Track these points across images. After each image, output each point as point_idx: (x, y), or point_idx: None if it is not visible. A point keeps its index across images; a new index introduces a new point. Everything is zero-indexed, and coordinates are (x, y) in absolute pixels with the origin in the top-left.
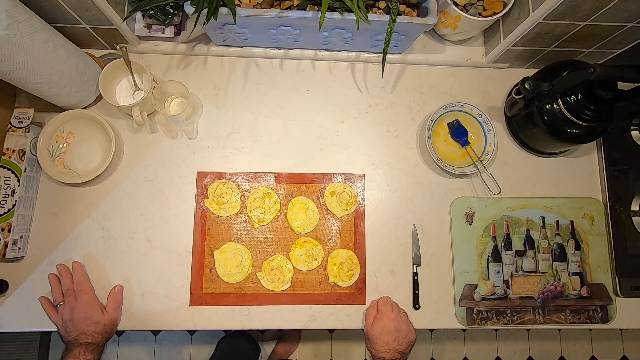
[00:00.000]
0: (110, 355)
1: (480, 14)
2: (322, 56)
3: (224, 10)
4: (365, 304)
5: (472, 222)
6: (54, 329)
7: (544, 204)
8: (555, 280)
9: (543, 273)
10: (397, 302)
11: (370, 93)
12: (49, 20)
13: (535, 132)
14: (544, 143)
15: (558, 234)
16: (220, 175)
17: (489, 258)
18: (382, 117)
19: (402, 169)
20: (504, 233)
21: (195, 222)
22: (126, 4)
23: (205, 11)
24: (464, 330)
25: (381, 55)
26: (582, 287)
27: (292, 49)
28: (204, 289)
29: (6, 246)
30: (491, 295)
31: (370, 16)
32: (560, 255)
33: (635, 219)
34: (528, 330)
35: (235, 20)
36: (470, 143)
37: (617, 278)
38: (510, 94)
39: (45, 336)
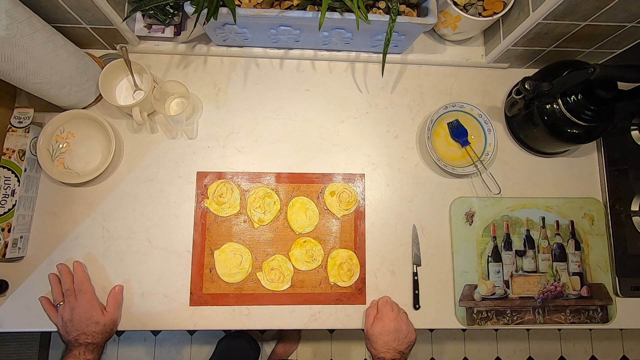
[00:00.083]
0: (110, 355)
1: (480, 14)
2: (322, 56)
3: (224, 10)
4: (365, 304)
5: (472, 222)
6: (54, 329)
7: (544, 204)
8: (555, 280)
9: (543, 273)
10: (397, 302)
11: (370, 93)
12: (49, 20)
13: (535, 132)
14: (544, 143)
15: (558, 234)
16: (220, 175)
17: (489, 258)
18: (382, 117)
19: (402, 169)
20: (504, 233)
21: (195, 222)
22: (126, 4)
23: (205, 11)
24: (464, 330)
25: (381, 55)
26: (582, 287)
27: (292, 49)
28: (204, 289)
29: (6, 246)
30: (491, 295)
31: (370, 16)
32: (560, 255)
33: (635, 219)
34: (528, 330)
35: (235, 20)
36: (470, 143)
37: (617, 278)
38: (510, 94)
39: (45, 336)
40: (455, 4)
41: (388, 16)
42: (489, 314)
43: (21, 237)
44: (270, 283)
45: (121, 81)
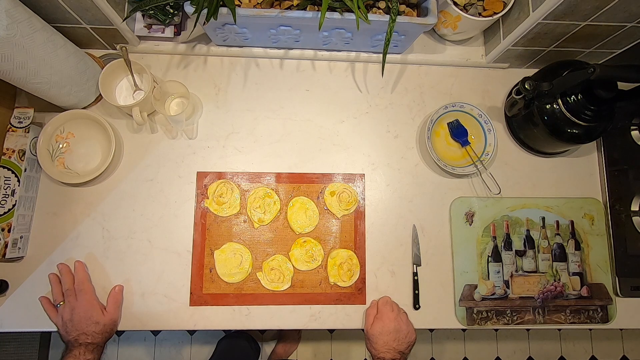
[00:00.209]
0: (110, 355)
1: (480, 14)
2: (322, 56)
3: (224, 10)
4: (365, 304)
5: (472, 222)
6: (54, 329)
7: (544, 204)
8: (555, 280)
9: (543, 273)
10: (397, 302)
11: (370, 93)
12: (49, 20)
13: (535, 132)
14: (544, 143)
15: (558, 234)
16: (220, 175)
17: (489, 258)
18: (382, 117)
19: (402, 169)
20: (504, 233)
21: (195, 222)
22: (126, 4)
23: (205, 11)
24: (464, 330)
25: (381, 55)
26: (582, 287)
27: (292, 49)
28: (204, 289)
29: (6, 246)
30: (491, 295)
31: (370, 16)
32: (560, 255)
33: (635, 219)
34: (528, 330)
35: (235, 20)
36: (470, 143)
37: (617, 278)
38: (510, 94)
39: (45, 336)
40: (455, 4)
41: (388, 16)
42: (489, 314)
43: (21, 237)
44: (270, 283)
45: (121, 81)
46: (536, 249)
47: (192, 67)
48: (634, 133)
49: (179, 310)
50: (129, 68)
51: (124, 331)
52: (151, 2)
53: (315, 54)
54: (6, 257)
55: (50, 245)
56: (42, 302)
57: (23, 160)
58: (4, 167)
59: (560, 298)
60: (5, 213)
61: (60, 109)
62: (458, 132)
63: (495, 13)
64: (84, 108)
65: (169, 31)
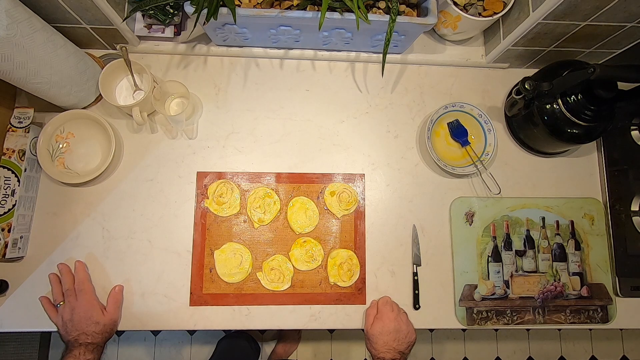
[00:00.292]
0: (110, 355)
1: (480, 14)
2: (322, 56)
3: (224, 10)
4: (365, 304)
5: (472, 222)
6: (54, 329)
7: (544, 204)
8: (555, 280)
9: (543, 273)
10: (397, 302)
11: (370, 93)
12: (49, 20)
13: (535, 132)
14: (544, 143)
15: (558, 234)
16: (220, 175)
17: (489, 258)
18: (382, 117)
19: (402, 169)
20: (504, 233)
21: (195, 222)
22: (126, 4)
23: (205, 11)
24: (464, 330)
25: (381, 55)
26: (582, 287)
27: (292, 49)
28: (204, 289)
29: (6, 246)
30: (491, 295)
31: (370, 16)
32: (560, 255)
33: (635, 219)
34: (528, 330)
35: (235, 20)
36: (470, 143)
37: (617, 278)
38: (510, 94)
39: (45, 336)
40: (455, 4)
41: (388, 16)
42: (489, 314)
43: (21, 237)
44: (270, 283)
45: (121, 81)
46: (536, 249)
47: (192, 67)
48: (634, 133)
49: (179, 310)
50: (129, 68)
51: (124, 331)
52: (151, 2)
53: (315, 54)
54: (6, 257)
55: (50, 245)
56: (42, 302)
57: (23, 160)
58: (4, 167)
59: (560, 298)
60: (5, 213)
61: (60, 109)
62: (458, 132)
63: (495, 13)
64: (84, 108)
65: (169, 31)
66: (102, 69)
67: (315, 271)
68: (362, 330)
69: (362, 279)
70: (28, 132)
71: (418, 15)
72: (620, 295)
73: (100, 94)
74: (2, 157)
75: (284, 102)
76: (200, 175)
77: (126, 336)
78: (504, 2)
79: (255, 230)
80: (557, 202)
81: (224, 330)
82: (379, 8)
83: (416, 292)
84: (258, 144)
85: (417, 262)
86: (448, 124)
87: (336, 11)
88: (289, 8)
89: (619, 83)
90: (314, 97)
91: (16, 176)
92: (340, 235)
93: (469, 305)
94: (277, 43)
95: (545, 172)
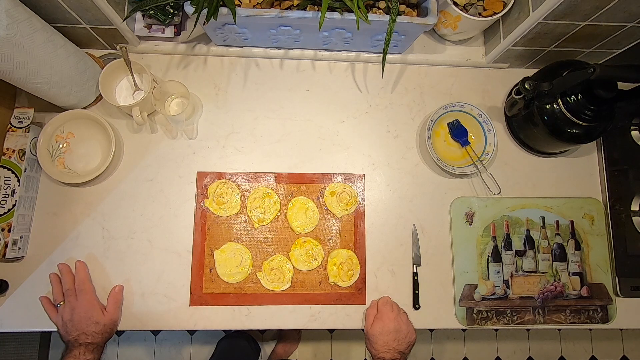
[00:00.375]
0: (110, 355)
1: (480, 14)
2: (322, 56)
3: (224, 10)
4: (365, 304)
5: (472, 222)
6: (54, 329)
7: (544, 204)
8: (555, 280)
9: (543, 273)
10: (397, 302)
11: (370, 93)
12: (49, 20)
13: (535, 132)
14: (544, 143)
15: (558, 234)
16: (220, 175)
17: (489, 258)
18: (382, 117)
19: (402, 169)
20: (504, 233)
21: (195, 222)
22: (126, 4)
23: (205, 11)
24: (464, 330)
25: (381, 55)
26: (582, 287)
27: (292, 49)
28: (204, 289)
29: (6, 246)
30: (491, 295)
31: (370, 16)
32: (560, 255)
33: (635, 219)
34: (528, 330)
35: (235, 20)
36: (470, 143)
37: (617, 278)
38: (510, 94)
39: (45, 336)
40: (455, 4)
41: (388, 16)
42: (489, 314)
43: (21, 237)
44: (270, 283)
45: (121, 81)
46: (536, 249)
47: (192, 67)
48: (634, 133)
49: (179, 310)
50: (129, 68)
51: (124, 331)
52: (151, 2)
53: (315, 54)
54: (6, 257)
55: (50, 245)
56: (43, 302)
57: (23, 160)
58: (4, 167)
59: (560, 298)
60: (5, 213)
61: (60, 109)
62: (458, 132)
63: (495, 13)
64: (84, 108)
65: (169, 31)
66: (102, 69)
67: (315, 271)
68: (362, 330)
69: (362, 279)
70: (28, 132)
71: (418, 15)
72: (620, 295)
73: (100, 94)
74: (2, 157)
75: (284, 102)
76: (200, 175)
77: (126, 336)
78: (504, 2)
79: (255, 230)
80: (557, 202)
81: (224, 330)
82: (379, 8)
83: (416, 292)
84: (258, 144)
85: (417, 262)
86: (448, 124)
87: (336, 11)
88: (289, 8)
89: (619, 83)
90: (314, 97)
91: (16, 176)
92: (340, 235)
93: (469, 305)
94: (277, 43)
95: (545, 172)
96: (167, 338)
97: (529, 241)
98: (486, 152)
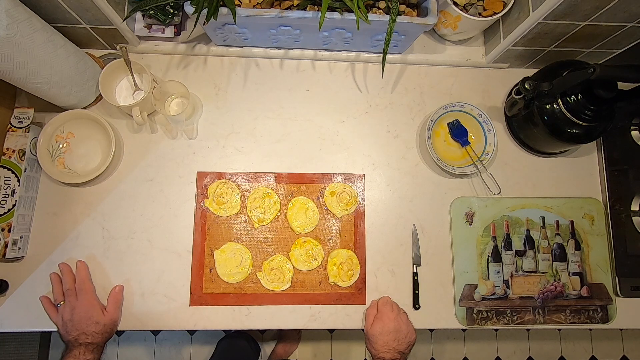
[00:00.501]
0: (110, 355)
1: (480, 14)
2: (322, 56)
3: (224, 10)
4: (365, 304)
5: (472, 222)
6: (54, 329)
7: (544, 204)
8: (555, 280)
9: (543, 273)
10: (397, 302)
11: (370, 93)
12: (49, 20)
13: (535, 132)
14: (544, 143)
15: (558, 234)
16: (220, 175)
17: (489, 258)
18: (382, 117)
19: (402, 169)
20: (504, 233)
21: (195, 222)
22: (126, 4)
23: (205, 11)
24: (464, 330)
25: (381, 55)
26: (582, 287)
27: (292, 49)
28: (204, 289)
29: (6, 246)
30: (491, 295)
31: (370, 16)
32: (560, 255)
33: (635, 219)
34: (528, 330)
35: (235, 20)
36: (470, 143)
37: (617, 278)
38: (510, 94)
39: (45, 336)
40: (455, 4)
41: (388, 16)
42: (489, 314)
43: (21, 237)
44: (270, 283)
45: (121, 81)
46: (536, 249)
47: (192, 67)
48: (634, 133)
49: (179, 310)
50: (129, 68)
51: (124, 331)
52: (151, 2)
53: (315, 54)
54: (6, 257)
55: (50, 245)
56: (43, 302)
57: (23, 160)
58: (4, 167)
59: (560, 298)
60: (5, 213)
61: (60, 109)
62: (458, 132)
63: (495, 13)
64: (84, 108)
65: (169, 31)
66: (102, 69)
67: (315, 271)
68: (362, 330)
69: (362, 279)
70: (28, 132)
71: (418, 15)
72: (620, 295)
73: (100, 94)
74: (2, 157)
75: (284, 102)
76: (200, 175)
77: (126, 336)
78: (504, 2)
79: (255, 230)
80: (557, 202)
81: (224, 330)
82: (379, 8)
83: (416, 292)
84: (258, 144)
85: (417, 262)
86: (448, 124)
87: (336, 11)
88: (289, 8)
89: (619, 83)
90: (314, 97)
91: (16, 176)
92: (340, 235)
93: (469, 305)
94: (277, 43)
95: (545, 172)
96: (167, 338)
97: (529, 241)
98: (486, 152)
